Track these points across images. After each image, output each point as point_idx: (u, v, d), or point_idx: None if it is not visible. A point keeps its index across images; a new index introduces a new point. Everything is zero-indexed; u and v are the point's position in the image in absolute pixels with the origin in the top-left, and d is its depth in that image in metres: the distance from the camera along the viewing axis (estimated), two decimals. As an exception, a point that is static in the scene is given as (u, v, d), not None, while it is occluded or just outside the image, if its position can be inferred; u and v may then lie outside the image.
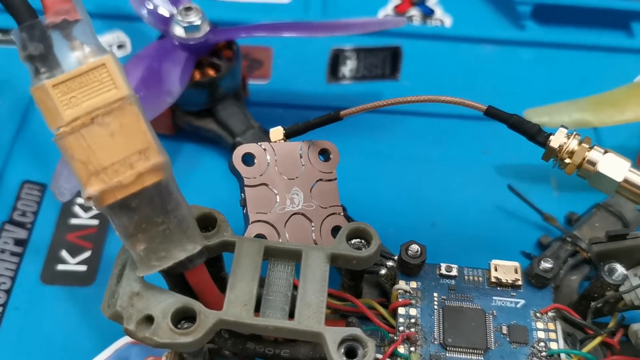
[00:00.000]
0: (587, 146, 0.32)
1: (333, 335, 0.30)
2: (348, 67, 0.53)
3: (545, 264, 0.35)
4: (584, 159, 0.32)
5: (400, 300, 0.35)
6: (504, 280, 0.35)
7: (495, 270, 0.36)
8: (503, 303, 0.35)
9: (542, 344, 0.34)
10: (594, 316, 0.35)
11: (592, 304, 0.35)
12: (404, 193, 0.47)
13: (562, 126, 0.33)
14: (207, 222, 0.33)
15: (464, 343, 0.33)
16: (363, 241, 0.34)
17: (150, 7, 0.45)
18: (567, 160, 0.32)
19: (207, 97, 0.45)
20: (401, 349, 0.33)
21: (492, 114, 0.34)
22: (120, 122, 0.28)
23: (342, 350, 0.30)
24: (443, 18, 0.58)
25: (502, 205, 0.46)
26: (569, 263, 0.40)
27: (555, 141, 0.32)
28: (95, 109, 0.27)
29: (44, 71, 0.27)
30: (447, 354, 0.33)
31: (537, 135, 0.33)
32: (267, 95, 0.51)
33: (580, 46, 0.56)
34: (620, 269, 0.34)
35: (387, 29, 0.50)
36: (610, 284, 0.34)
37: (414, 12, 0.58)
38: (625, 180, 0.32)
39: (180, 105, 0.46)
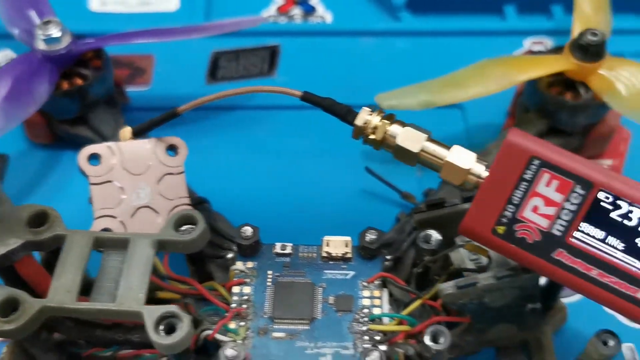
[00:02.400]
0: (388, 121, 0.34)
1: (151, 314, 0.32)
2: (227, 69, 0.56)
3: (370, 236, 0.37)
4: (385, 133, 0.34)
5: (235, 279, 0.37)
6: (334, 254, 0.38)
7: (327, 245, 0.38)
8: (334, 276, 0.37)
9: (365, 310, 0.36)
10: (419, 281, 0.37)
11: (414, 270, 0.37)
12: (275, 183, 0.49)
13: (370, 106, 0.35)
14: (42, 219, 0.35)
15: (291, 315, 0.36)
16: (194, 227, 0.36)
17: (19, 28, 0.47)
18: (372, 136, 0.35)
19: (77, 105, 0.47)
20: (232, 325, 0.35)
21: (308, 99, 0.36)
22: None
23: (163, 327, 0.32)
24: (324, 15, 0.60)
25: (367, 187, 0.48)
26: (412, 235, 0.42)
27: (359, 119, 0.35)
28: None
29: None
30: (274, 326, 0.35)
31: (347, 115, 0.35)
32: (149, 101, 0.54)
33: (455, 32, 0.59)
34: (435, 235, 0.36)
35: (242, 28, 0.52)
36: (425, 249, 0.36)
37: (296, 11, 0.60)
38: (423, 150, 0.34)
39: (54, 114, 0.48)
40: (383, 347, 0.34)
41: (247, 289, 0.37)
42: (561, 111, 0.46)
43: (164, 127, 0.48)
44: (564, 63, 0.45)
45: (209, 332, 0.35)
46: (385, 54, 0.58)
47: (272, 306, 0.36)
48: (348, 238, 0.38)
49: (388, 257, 0.39)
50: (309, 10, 0.60)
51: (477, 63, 0.46)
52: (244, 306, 0.36)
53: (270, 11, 0.61)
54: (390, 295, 0.38)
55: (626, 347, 0.42)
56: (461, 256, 0.38)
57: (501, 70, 0.45)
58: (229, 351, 0.33)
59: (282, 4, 0.61)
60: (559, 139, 0.48)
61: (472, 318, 0.36)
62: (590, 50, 0.44)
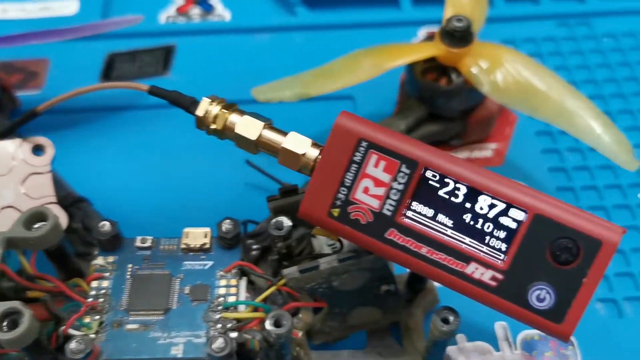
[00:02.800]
0: (227, 111, 0.35)
1: (-9, 311, 0.32)
2: (122, 69, 0.56)
3: (226, 226, 0.38)
4: (225, 122, 0.35)
5: (93, 274, 0.37)
6: (192, 245, 0.38)
7: (187, 237, 0.38)
8: (192, 266, 0.38)
9: (221, 299, 0.36)
10: (277, 268, 0.38)
11: (270, 257, 0.37)
12: (160, 181, 0.50)
13: (210, 97, 0.35)
14: None
15: (145, 306, 0.36)
16: (45, 223, 0.36)
17: None
18: (213, 126, 0.35)
19: (-42, 111, 0.48)
20: (87, 319, 0.36)
21: (155, 92, 0.37)
22: None
23: (6, 323, 0.32)
24: (223, 13, 0.61)
25: (251, 181, 0.49)
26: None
27: (200, 110, 0.35)
28: None
29: None
30: (129, 318, 0.36)
31: (191, 107, 0.36)
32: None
33: (350, 25, 0.59)
34: (287, 222, 0.37)
35: (123, 27, 0.52)
36: (277, 236, 0.37)
37: (195, 11, 0.61)
38: (260, 138, 0.34)
39: (-64, 121, 0.48)
40: (234, 334, 0.35)
41: (105, 283, 0.37)
42: (437, 97, 0.47)
43: (55, 131, 0.48)
44: (434, 49, 0.46)
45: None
46: (281, 49, 0.58)
47: (128, 299, 0.36)
48: (207, 229, 0.39)
49: (255, 246, 0.40)
50: (208, 10, 0.61)
51: (349, 53, 0.47)
52: (101, 300, 0.36)
53: (169, 12, 0.61)
54: (252, 283, 0.38)
55: (499, 325, 0.43)
56: (320, 242, 0.38)
57: (371, 59, 0.45)
58: (73, 345, 0.33)
59: (181, 5, 0.61)
60: (440, 125, 0.49)
61: (328, 303, 0.37)
62: (456, 35, 0.45)
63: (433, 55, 0.46)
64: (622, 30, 0.60)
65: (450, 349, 0.42)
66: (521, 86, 0.44)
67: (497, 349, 0.42)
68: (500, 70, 0.44)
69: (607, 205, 0.49)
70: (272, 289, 0.36)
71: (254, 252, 0.40)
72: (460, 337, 0.43)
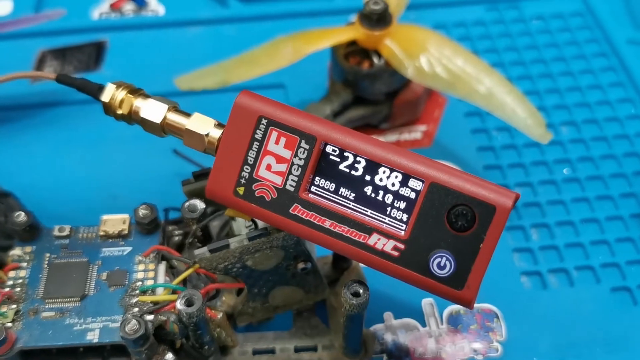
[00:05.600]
0: (132, 96, 0.35)
1: None
2: (53, 66, 0.56)
3: (143, 211, 0.38)
4: (131, 107, 0.35)
5: (10, 265, 0.37)
6: (110, 232, 0.38)
7: (105, 224, 0.39)
8: (111, 253, 0.38)
9: (139, 283, 0.37)
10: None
11: (186, 241, 0.38)
12: (90, 174, 0.50)
13: (116, 83, 0.36)
14: None
15: (61, 294, 0.36)
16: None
17: None
18: (120, 111, 0.35)
19: None
20: (4, 308, 0.36)
21: (62, 81, 0.37)
22: None
23: None
24: (157, 8, 0.61)
25: (180, 170, 0.49)
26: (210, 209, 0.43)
27: (106, 95, 0.35)
28: None
29: None
30: (45, 306, 0.36)
31: (98, 93, 0.36)
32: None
33: (282, 15, 0.60)
34: (200, 204, 0.37)
35: (44, 21, 0.52)
36: (190, 219, 0.37)
37: (129, 7, 0.61)
38: (166, 121, 0.34)
39: None
40: (150, 317, 0.35)
41: (22, 273, 0.37)
42: (360, 80, 0.48)
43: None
44: (353, 32, 0.46)
45: (-21, 317, 0.35)
46: (214, 42, 0.59)
47: (44, 287, 0.36)
48: (126, 215, 0.39)
49: (177, 232, 0.40)
50: (142, 5, 0.61)
51: (270, 41, 0.47)
52: (17, 289, 0.36)
53: (102, 8, 0.61)
54: (173, 268, 0.38)
55: (426, 302, 0.44)
56: (240, 226, 0.38)
57: (291, 45, 0.46)
58: (-15, 332, 0.33)
59: (114, 1, 0.61)
60: (367, 108, 0.50)
61: (245, 283, 0.37)
62: (374, 18, 0.45)
63: (353, 38, 0.46)
64: (551, 12, 0.61)
65: (378, 327, 0.43)
66: (442, 68, 0.44)
67: (424, 325, 0.43)
68: (423, 53, 0.45)
69: (533, 181, 0.50)
70: (189, 271, 0.36)
71: (176, 238, 0.40)
72: (387, 315, 0.43)
